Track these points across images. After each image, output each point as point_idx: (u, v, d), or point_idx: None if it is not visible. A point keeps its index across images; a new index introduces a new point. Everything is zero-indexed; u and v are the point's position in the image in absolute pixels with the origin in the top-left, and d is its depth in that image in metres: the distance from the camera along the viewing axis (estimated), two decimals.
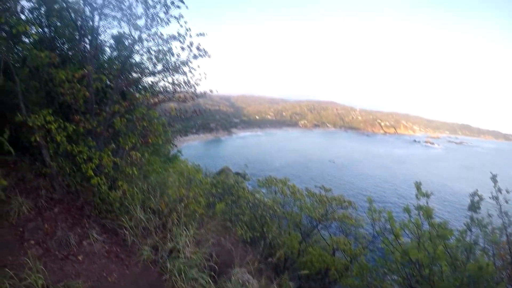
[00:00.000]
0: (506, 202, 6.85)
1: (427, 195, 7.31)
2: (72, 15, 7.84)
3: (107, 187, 7.43)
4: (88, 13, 7.86)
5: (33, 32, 7.45)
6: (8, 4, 6.65)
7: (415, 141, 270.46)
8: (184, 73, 8.70)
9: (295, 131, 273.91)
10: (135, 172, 7.81)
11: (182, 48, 8.30)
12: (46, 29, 8.52)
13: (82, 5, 7.66)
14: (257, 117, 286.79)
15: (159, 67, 8.58)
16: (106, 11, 7.97)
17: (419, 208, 7.35)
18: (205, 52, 8.45)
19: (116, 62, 8.96)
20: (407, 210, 7.75)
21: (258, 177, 65.85)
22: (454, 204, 72.11)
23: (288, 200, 15.18)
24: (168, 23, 8.17)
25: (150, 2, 7.87)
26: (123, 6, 7.93)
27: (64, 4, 7.68)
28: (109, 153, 7.42)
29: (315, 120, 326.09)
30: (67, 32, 8.50)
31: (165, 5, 7.89)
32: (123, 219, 7.05)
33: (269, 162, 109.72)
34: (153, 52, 8.41)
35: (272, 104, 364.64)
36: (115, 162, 7.53)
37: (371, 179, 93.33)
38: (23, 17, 7.63)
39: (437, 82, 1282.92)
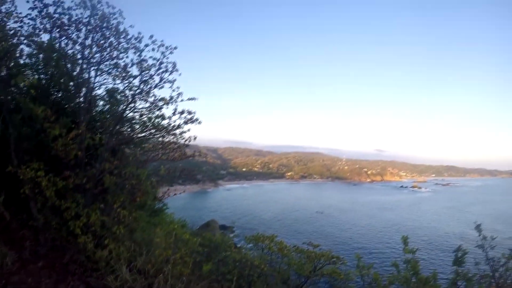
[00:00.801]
0: (492, 248, 7.13)
1: (412, 252, 7.51)
2: (69, 65, 8.05)
3: (94, 245, 7.30)
4: (84, 65, 8.07)
5: (30, 81, 7.52)
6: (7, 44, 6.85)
7: (402, 186, 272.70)
8: (175, 136, 8.88)
9: (282, 182, 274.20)
10: (122, 231, 7.69)
11: (173, 114, 8.52)
12: (42, 75, 8.62)
13: (79, 57, 7.93)
14: (244, 169, 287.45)
15: (151, 128, 8.71)
16: (102, 66, 8.27)
17: (406, 261, 7.47)
18: (197, 119, 8.69)
19: (108, 117, 9.13)
20: (395, 265, 7.94)
21: (245, 229, 65.47)
22: (439, 246, 74.12)
23: (275, 257, 15.01)
24: (161, 87, 8.46)
25: (145, 65, 8.17)
26: (118, 64, 8.26)
27: (62, 54, 7.89)
28: (97, 211, 7.36)
29: (301, 171, 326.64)
30: (62, 81, 8.54)
31: (159, 69, 8.23)
32: (108, 279, 6.78)
33: (256, 214, 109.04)
34: (145, 114, 8.63)
35: (259, 156, 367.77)
36: (102, 220, 7.45)
37: (359, 229, 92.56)
38: (21, 61, 7.90)
39: (421, 126, 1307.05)
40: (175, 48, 8.28)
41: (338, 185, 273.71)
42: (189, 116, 8.57)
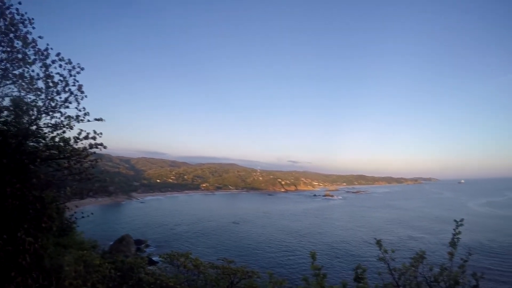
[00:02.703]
0: (393, 259, 7.43)
1: (318, 268, 7.50)
2: None
3: None
4: None
5: None
6: None
7: (315, 195, 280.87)
8: (79, 157, 8.54)
9: (197, 194, 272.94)
10: (28, 260, 7.06)
11: (77, 139, 8.21)
12: None
13: None
14: (158, 181, 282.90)
15: (56, 149, 8.34)
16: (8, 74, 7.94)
17: (315, 275, 7.52)
18: (101, 144, 8.45)
19: (12, 130, 8.46)
20: (305, 279, 7.99)
21: (160, 243, 63.81)
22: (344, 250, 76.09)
23: (191, 274, 14.84)
24: (67, 106, 8.17)
25: (51, 81, 7.90)
26: (25, 75, 7.97)
27: None
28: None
29: (217, 182, 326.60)
30: None
31: (66, 85, 8.01)
32: None
33: (172, 227, 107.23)
34: (49, 132, 8.25)
35: (173, 167, 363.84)
36: (6, 250, 6.83)
37: (273, 237, 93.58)
38: None
39: (331, 138, 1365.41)
40: (82, 69, 8.11)
41: (253, 196, 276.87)
42: (93, 142, 8.29)
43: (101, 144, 8.40)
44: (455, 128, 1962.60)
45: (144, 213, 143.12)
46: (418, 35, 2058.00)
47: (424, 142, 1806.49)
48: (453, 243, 6.94)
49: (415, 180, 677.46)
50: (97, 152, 8.60)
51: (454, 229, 6.96)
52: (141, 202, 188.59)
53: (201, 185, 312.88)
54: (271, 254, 74.78)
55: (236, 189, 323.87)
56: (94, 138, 8.23)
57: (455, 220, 7.03)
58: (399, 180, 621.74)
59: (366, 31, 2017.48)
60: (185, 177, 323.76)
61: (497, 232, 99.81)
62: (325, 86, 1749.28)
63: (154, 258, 52.62)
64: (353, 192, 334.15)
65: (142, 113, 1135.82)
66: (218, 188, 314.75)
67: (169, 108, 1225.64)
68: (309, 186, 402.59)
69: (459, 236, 6.97)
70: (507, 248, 79.34)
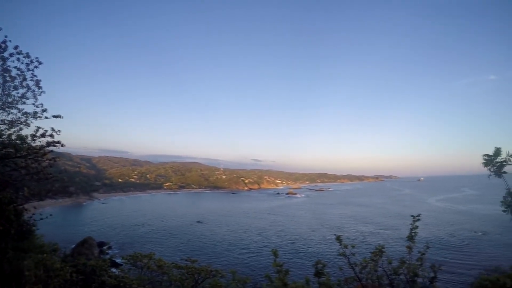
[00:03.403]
0: (353, 254, 7.53)
1: (279, 265, 7.54)
2: None
3: None
4: None
5: None
6: None
7: (278, 193, 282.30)
8: (37, 159, 8.25)
9: (160, 193, 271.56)
10: None
11: (34, 136, 7.93)
12: None
13: None
14: (120, 180, 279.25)
15: (12, 147, 7.97)
16: None
17: (278, 272, 7.56)
18: (59, 142, 8.14)
19: None
20: (267, 276, 7.90)
21: (124, 244, 62.58)
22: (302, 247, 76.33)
23: (155, 275, 14.82)
24: (24, 102, 7.94)
25: (8, 78, 7.62)
26: None
27: None
28: None
29: (180, 181, 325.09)
30: None
31: (24, 80, 7.72)
32: None
33: (135, 228, 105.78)
34: (5, 129, 7.95)
35: (135, 166, 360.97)
36: None
37: (236, 236, 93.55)
38: None
39: (294, 138, 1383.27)
40: (41, 63, 7.75)
41: (216, 194, 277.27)
42: (51, 140, 8.00)
43: (58, 142, 8.10)
44: (414, 128, 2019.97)
45: (106, 214, 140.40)
46: (376, 37, 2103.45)
47: (384, 141, 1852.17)
48: (410, 237, 7.19)
49: (376, 177, 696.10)
50: (55, 150, 8.35)
51: (411, 224, 7.21)
52: (103, 203, 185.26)
53: (164, 184, 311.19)
54: (234, 252, 74.95)
55: (199, 188, 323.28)
56: (52, 135, 7.95)
57: (412, 216, 7.27)
58: (360, 178, 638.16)
59: (330, 32, 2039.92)
60: (148, 176, 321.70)
61: (455, 226, 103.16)
62: (288, 86, 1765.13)
63: (117, 260, 51.72)
64: (316, 190, 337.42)
65: (103, 110, 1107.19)
66: (181, 187, 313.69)
67: (131, 105, 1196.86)
68: (272, 185, 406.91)
69: (416, 230, 7.21)
70: (464, 241, 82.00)
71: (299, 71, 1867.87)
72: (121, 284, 12.24)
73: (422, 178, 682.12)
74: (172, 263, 15.34)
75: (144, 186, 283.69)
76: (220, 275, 14.63)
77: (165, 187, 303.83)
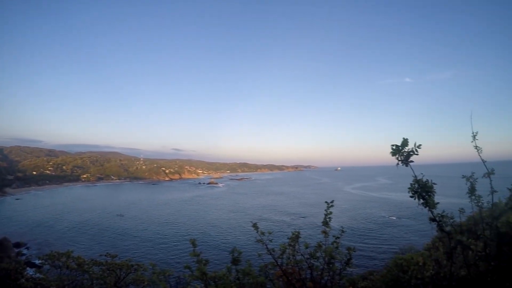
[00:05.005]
0: (271, 241, 7.69)
1: (197, 255, 7.45)
2: None
3: None
4: None
5: None
6: None
7: (200, 183, 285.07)
8: None
9: (78, 186, 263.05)
10: None
11: None
12: None
13: None
14: (34, 173, 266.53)
15: None
16: None
17: (198, 262, 7.54)
18: None
19: None
20: (187, 267, 7.83)
21: (42, 244, 62.23)
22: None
23: (76, 274, 14.57)
24: None
25: None
26: None
27: None
28: None
29: (98, 172, 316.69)
30: None
31: None
32: None
33: (53, 224, 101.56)
34: None
35: (51, 157, 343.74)
36: None
37: (157, 228, 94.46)
38: None
39: (214, 127, 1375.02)
40: None
41: (137, 186, 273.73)
42: None
43: None
44: (333, 121, 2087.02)
45: (21, 211, 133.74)
46: (302, 34, 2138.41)
47: (304, 133, 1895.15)
48: (325, 222, 7.36)
49: (296, 167, 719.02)
50: None
51: (325, 210, 7.38)
52: (17, 199, 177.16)
53: (82, 176, 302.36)
54: (156, 245, 75.54)
55: (119, 179, 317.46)
56: None
57: (326, 202, 7.37)
58: (280, 168, 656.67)
59: (256, 27, 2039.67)
60: (64, 167, 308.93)
61: (370, 212, 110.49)
62: (210, 76, 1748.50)
63: (35, 261, 52.03)
64: (237, 180, 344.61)
65: (12, 92, 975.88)
66: (100, 179, 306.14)
67: (44, 88, 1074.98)
68: (193, 174, 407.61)
69: (330, 216, 7.36)
70: (379, 225, 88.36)
71: (222, 63, 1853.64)
72: (39, 286, 12.36)
73: (339, 168, 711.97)
74: (92, 260, 14.76)
75: (60, 178, 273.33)
76: (142, 269, 14.41)
77: (83, 179, 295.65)
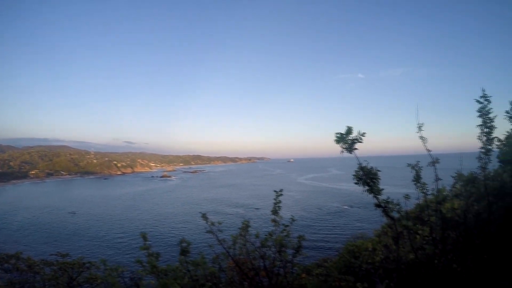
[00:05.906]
0: (221, 231, 7.57)
1: (147, 248, 7.22)
2: None
3: None
4: None
5: None
6: None
7: (152, 177, 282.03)
8: None
9: (25, 183, 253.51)
10: None
11: None
12: None
13: None
14: None
15: None
16: None
17: (148, 255, 7.32)
18: None
19: None
20: (139, 261, 7.53)
21: None
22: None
23: (26, 277, 13.88)
24: None
25: None
26: None
27: None
28: None
29: (47, 168, 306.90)
30: None
31: None
32: None
33: (0, 225, 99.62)
34: None
35: None
36: None
37: (109, 224, 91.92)
38: None
39: (166, 120, 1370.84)
40: None
41: (88, 181, 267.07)
42: None
43: None
44: (286, 114, 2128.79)
45: None
46: (260, 31, 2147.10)
47: (257, 125, 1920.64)
48: (275, 211, 7.44)
49: (249, 159, 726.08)
50: None
51: (274, 199, 7.50)
52: None
53: (30, 172, 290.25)
54: (109, 241, 75.02)
55: (69, 174, 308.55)
56: None
57: (274, 191, 7.52)
58: (234, 160, 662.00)
59: (216, 20, 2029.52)
60: (11, 163, 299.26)
61: (322, 201, 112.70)
62: (164, 70, 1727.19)
63: None
64: (190, 172, 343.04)
65: None
66: (50, 175, 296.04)
67: None
68: (146, 168, 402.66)
69: (279, 205, 7.50)
70: (332, 214, 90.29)
71: (175, 57, 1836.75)
72: None
73: (292, 160, 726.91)
74: (43, 260, 14.17)
75: (7, 175, 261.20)
76: (94, 266, 12.80)
77: (31, 175, 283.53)
